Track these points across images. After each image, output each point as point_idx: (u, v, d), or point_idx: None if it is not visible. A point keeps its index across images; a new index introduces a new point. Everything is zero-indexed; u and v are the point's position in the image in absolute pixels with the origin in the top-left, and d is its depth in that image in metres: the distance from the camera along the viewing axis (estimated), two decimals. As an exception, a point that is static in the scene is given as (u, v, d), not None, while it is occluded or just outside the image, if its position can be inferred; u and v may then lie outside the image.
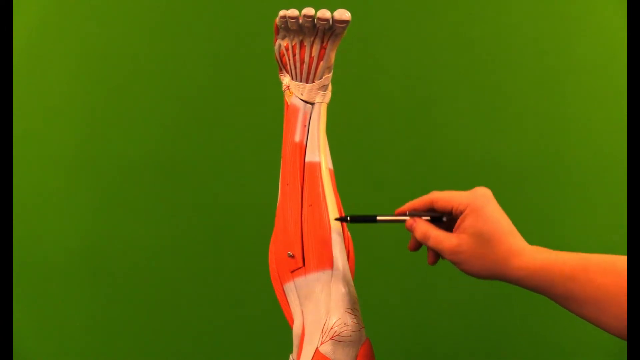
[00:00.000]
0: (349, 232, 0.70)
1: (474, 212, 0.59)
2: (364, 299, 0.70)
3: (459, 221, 0.60)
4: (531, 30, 1.06)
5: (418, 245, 0.65)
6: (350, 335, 0.64)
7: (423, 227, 0.62)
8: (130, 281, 1.07)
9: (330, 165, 0.70)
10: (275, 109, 0.80)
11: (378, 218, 0.65)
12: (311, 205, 0.67)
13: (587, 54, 1.05)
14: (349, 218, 0.66)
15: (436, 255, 0.64)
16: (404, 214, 0.64)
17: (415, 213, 0.63)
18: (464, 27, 1.07)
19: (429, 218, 0.63)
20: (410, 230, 0.64)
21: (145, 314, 1.07)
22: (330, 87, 0.70)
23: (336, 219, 0.66)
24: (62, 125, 1.06)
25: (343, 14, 0.64)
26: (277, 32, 0.69)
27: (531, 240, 0.60)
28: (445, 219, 0.62)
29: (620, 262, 0.54)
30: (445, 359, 1.07)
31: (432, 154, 1.07)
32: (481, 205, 0.59)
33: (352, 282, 0.67)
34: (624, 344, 0.53)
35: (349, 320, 0.64)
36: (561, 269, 0.56)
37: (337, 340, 0.63)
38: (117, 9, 1.06)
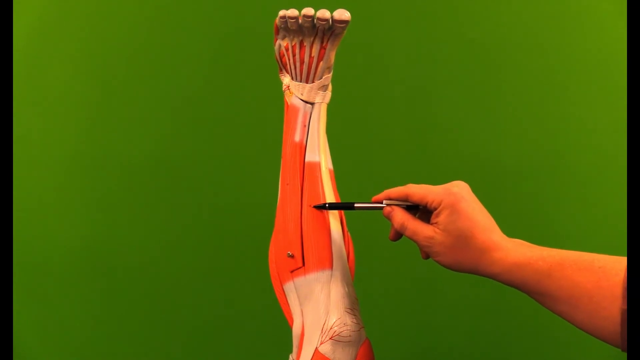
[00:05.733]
0: (349, 232, 0.70)
1: (447, 209, 0.59)
2: (364, 299, 0.70)
3: (433, 216, 0.61)
4: (531, 30, 1.06)
5: (398, 235, 0.65)
6: (350, 335, 0.64)
7: (400, 217, 0.63)
8: (130, 281, 1.07)
9: (330, 165, 0.70)
10: (275, 109, 0.80)
11: (356, 205, 0.66)
12: (311, 205, 0.67)
13: (587, 53, 1.05)
14: (327, 205, 0.66)
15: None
16: (381, 202, 0.65)
17: (392, 202, 0.64)
18: (464, 26, 1.07)
19: (405, 206, 0.64)
20: (388, 218, 0.65)
21: (145, 313, 1.07)
22: (330, 87, 0.70)
23: (314, 207, 0.67)
24: (61, 125, 1.06)
25: (343, 14, 0.64)
26: (277, 32, 0.69)
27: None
28: (421, 207, 0.63)
29: (598, 260, 0.54)
30: (445, 359, 1.07)
31: (433, 154, 1.07)
32: (454, 202, 0.59)
33: (351, 282, 0.67)
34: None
35: (349, 320, 0.64)
36: (537, 266, 0.56)
37: (337, 340, 0.63)
38: (117, 9, 1.06)
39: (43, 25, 1.05)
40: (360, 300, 0.68)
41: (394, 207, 0.64)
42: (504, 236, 0.59)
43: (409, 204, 0.64)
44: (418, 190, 0.62)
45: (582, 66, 1.05)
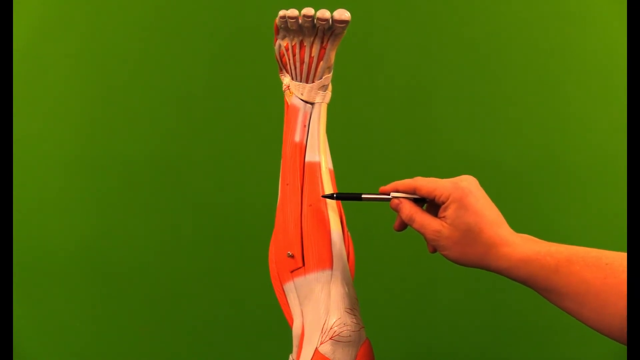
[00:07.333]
0: (349, 232, 0.70)
1: (455, 203, 0.59)
2: (364, 299, 0.70)
3: (441, 210, 0.61)
4: (531, 30, 1.06)
5: (403, 225, 0.65)
6: (350, 335, 0.64)
7: (408, 209, 0.63)
8: (130, 281, 1.07)
9: (330, 165, 0.70)
10: (275, 109, 0.80)
11: (363, 196, 0.66)
12: (311, 205, 0.67)
13: (587, 53, 1.05)
14: (335, 195, 0.66)
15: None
16: (388, 194, 0.65)
17: (400, 195, 0.64)
18: (464, 26, 1.07)
19: (413, 199, 0.64)
20: (396, 210, 0.64)
21: (145, 313, 1.07)
22: (330, 87, 0.70)
23: (323, 196, 0.67)
24: (61, 126, 1.06)
25: (343, 14, 0.64)
26: (277, 32, 0.69)
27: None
28: (428, 200, 0.63)
29: (605, 257, 0.54)
30: (445, 359, 1.07)
31: (433, 154, 1.07)
32: (462, 196, 0.59)
33: (351, 282, 0.67)
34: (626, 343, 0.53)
35: (349, 320, 0.64)
36: (545, 261, 0.56)
37: (337, 340, 0.63)
38: (117, 9, 1.06)
39: (43, 25, 1.05)
40: (360, 300, 0.68)
41: (401, 199, 0.64)
42: (512, 231, 0.59)
43: (416, 196, 0.63)
44: (426, 184, 0.62)
45: (582, 66, 1.05)
